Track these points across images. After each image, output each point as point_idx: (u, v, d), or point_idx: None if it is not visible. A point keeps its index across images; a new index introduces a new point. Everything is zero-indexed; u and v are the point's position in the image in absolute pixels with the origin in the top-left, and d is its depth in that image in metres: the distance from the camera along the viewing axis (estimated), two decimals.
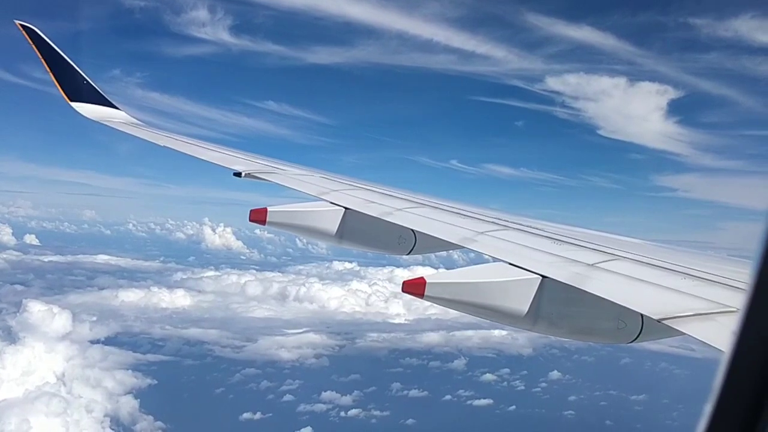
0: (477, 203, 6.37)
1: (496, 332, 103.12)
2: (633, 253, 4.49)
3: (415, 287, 4.13)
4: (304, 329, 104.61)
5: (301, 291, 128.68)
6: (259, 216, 5.97)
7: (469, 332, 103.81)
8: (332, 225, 5.98)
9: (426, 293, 4.14)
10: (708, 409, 1.19)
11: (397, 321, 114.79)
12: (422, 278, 4.18)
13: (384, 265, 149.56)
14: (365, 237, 6.14)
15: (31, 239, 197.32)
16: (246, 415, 75.22)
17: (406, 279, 4.21)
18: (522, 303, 4.09)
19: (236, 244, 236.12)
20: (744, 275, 3.73)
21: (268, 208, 6.02)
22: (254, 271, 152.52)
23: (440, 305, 4.34)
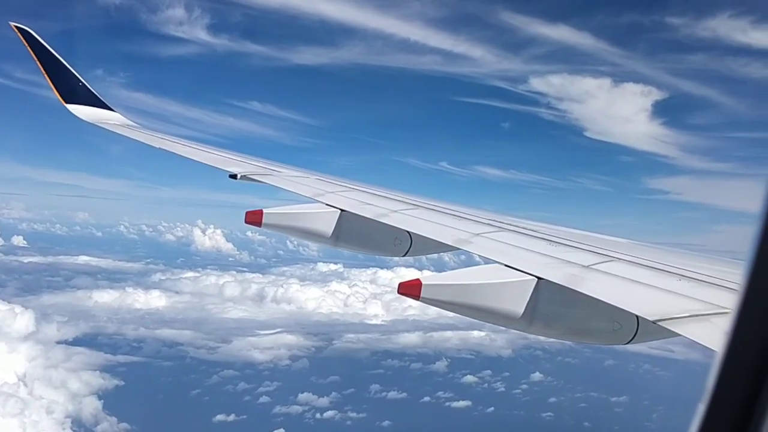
0: (469, 205, 6.39)
1: (475, 333, 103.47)
2: (628, 255, 4.53)
3: (410, 289, 4.13)
4: (278, 330, 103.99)
5: (278, 292, 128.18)
6: (254, 218, 5.92)
7: (448, 333, 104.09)
8: (328, 227, 5.96)
9: (422, 295, 4.13)
10: (701, 409, 1.20)
11: (374, 322, 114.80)
12: (418, 280, 4.17)
13: (368, 267, 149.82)
14: (361, 239, 6.13)
15: (18, 240, 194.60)
16: (219, 417, 74.44)
17: (402, 281, 4.20)
18: (518, 304, 4.11)
19: (226, 246, 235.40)
20: (738, 276, 3.77)
21: (264, 210, 5.99)
22: (234, 272, 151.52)
23: (436, 307, 4.33)
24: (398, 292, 4.18)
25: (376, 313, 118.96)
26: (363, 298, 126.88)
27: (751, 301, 1.16)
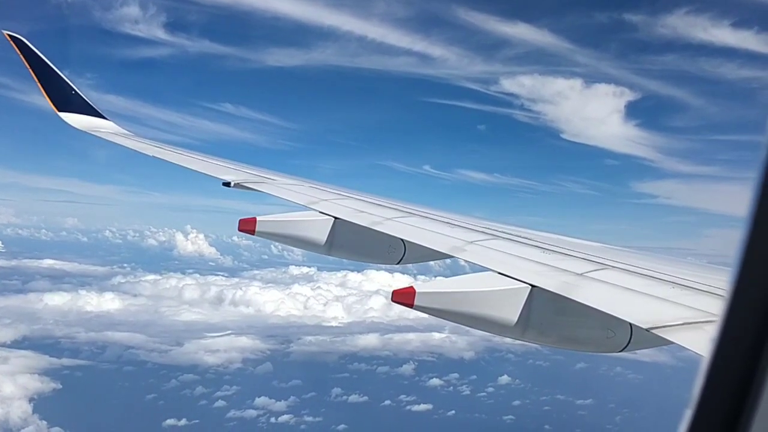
0: (457, 211, 6.46)
1: (436, 335, 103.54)
2: (621, 262, 4.58)
3: (404, 297, 4.14)
4: (229, 332, 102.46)
5: (238, 295, 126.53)
6: (248, 226, 5.88)
7: (410, 335, 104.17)
8: (322, 235, 5.94)
9: (416, 303, 4.15)
10: (687, 415, 1.20)
11: (332, 324, 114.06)
12: (412, 288, 4.18)
13: (340, 270, 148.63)
14: (355, 247, 6.13)
15: None
16: (170, 421, 72.64)
17: (395, 288, 4.21)
18: (511, 312, 4.15)
19: (209, 251, 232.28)
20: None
21: (258, 218, 5.94)
22: (197, 276, 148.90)
23: (430, 315, 4.34)
24: (392, 300, 4.19)
25: (336, 315, 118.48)
26: (324, 301, 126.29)
27: (737, 307, 1.15)
